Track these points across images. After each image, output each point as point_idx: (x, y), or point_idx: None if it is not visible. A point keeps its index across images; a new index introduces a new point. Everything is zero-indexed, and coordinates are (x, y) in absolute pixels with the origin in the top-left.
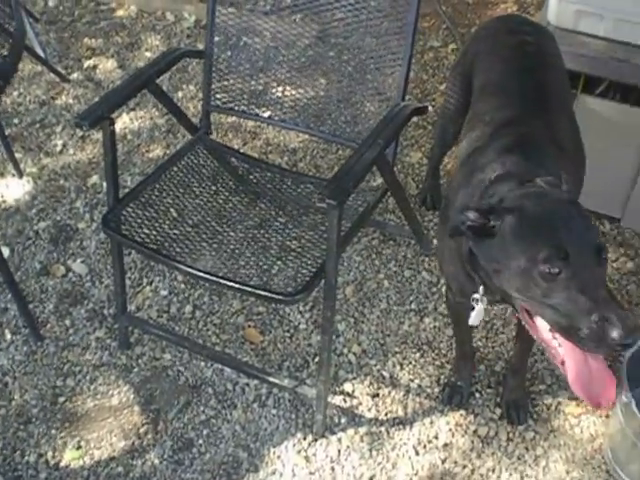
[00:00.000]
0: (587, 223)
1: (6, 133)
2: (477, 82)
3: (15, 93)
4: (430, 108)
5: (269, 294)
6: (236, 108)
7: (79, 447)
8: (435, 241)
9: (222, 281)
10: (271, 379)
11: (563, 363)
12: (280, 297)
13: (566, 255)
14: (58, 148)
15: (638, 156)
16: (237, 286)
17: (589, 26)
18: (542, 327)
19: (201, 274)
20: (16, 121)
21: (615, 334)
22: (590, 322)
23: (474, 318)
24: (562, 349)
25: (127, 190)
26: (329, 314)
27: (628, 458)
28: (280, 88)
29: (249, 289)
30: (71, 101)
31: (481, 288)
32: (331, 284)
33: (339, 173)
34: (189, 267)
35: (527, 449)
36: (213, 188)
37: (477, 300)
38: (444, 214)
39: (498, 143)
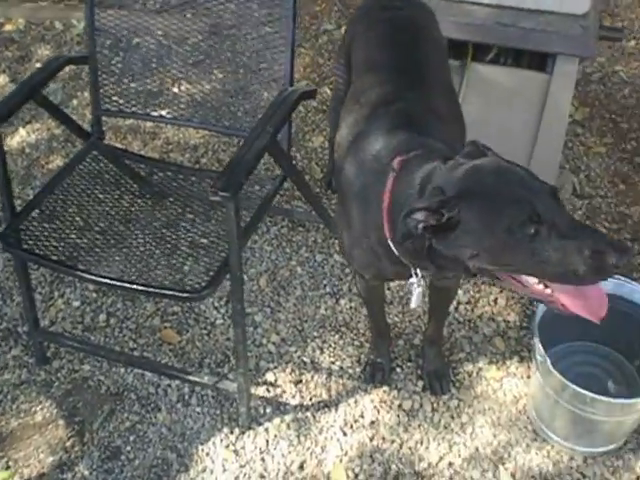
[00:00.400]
0: (532, 174)
1: None
2: (354, 63)
3: None
4: (328, 91)
5: (174, 292)
6: (130, 110)
7: (8, 467)
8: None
9: (118, 283)
10: (191, 378)
11: (563, 305)
12: (185, 295)
13: (537, 213)
14: None
15: (535, 118)
16: (139, 288)
17: None
18: (530, 282)
19: (101, 280)
20: None
21: (613, 259)
22: (584, 259)
23: (415, 302)
24: (556, 293)
25: None
26: (239, 307)
27: (551, 415)
28: (176, 86)
29: (151, 290)
30: None
31: (418, 272)
32: (236, 276)
33: (229, 165)
34: (91, 275)
35: (452, 417)
36: (117, 193)
37: (414, 284)
38: (342, 208)
39: (379, 124)
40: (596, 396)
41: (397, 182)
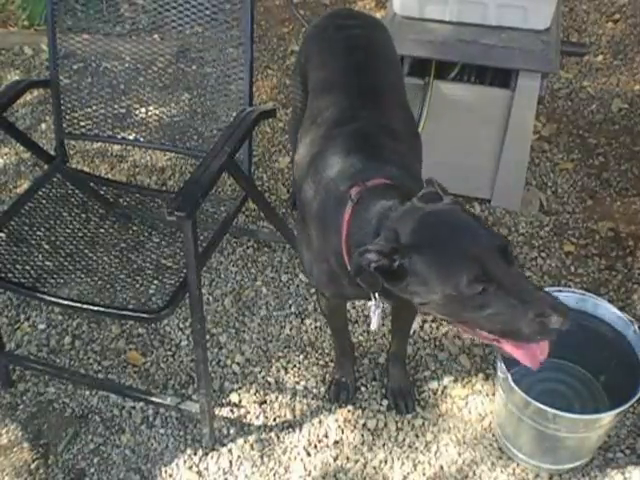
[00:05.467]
0: (486, 228)
1: None
2: (310, 83)
3: None
4: None
5: (132, 313)
6: (94, 133)
7: None
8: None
9: (78, 305)
10: (154, 399)
11: (509, 353)
12: (144, 315)
13: (486, 272)
14: None
15: (500, 134)
16: (97, 309)
17: (434, 12)
18: (476, 329)
19: (63, 302)
20: None
21: (556, 323)
22: (528, 322)
23: (375, 324)
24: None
25: None
26: (199, 326)
27: (516, 432)
28: (143, 109)
29: (110, 310)
30: None
31: (376, 295)
32: (195, 295)
33: (185, 185)
34: (53, 297)
35: (417, 436)
36: (83, 215)
37: (373, 306)
38: (302, 227)
39: (336, 145)
40: (558, 412)
41: (355, 214)
